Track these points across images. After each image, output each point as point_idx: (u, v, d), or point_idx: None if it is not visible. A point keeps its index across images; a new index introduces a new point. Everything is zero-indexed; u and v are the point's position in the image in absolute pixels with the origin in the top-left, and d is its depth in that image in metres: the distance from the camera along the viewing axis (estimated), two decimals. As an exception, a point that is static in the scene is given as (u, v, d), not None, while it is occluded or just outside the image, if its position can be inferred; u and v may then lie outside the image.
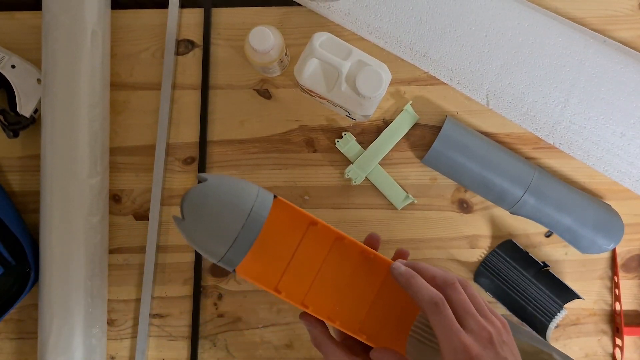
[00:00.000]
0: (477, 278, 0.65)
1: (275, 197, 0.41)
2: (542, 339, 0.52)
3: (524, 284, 0.64)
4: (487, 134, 0.66)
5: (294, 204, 0.42)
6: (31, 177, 0.66)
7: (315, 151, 0.66)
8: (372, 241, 0.45)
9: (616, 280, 0.65)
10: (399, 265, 0.41)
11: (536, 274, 0.64)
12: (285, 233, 0.41)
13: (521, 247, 0.64)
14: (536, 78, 0.65)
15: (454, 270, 0.66)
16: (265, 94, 0.67)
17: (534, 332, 0.50)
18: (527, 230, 0.66)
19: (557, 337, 0.65)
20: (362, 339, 0.42)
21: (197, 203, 0.38)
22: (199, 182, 0.39)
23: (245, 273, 0.40)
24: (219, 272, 0.65)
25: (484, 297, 0.65)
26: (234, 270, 0.39)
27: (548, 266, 0.64)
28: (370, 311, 0.42)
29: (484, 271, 0.65)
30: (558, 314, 0.63)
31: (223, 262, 0.39)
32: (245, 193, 0.39)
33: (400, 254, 0.46)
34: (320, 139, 0.66)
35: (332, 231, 0.41)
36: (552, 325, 0.62)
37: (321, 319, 0.42)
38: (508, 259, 0.64)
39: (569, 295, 0.63)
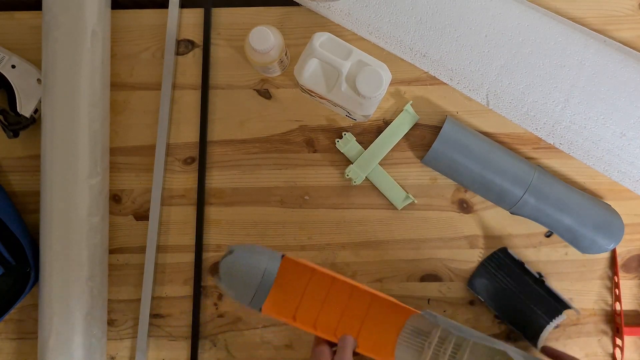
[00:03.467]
0: (473, 280, 0.65)
1: (283, 256, 0.54)
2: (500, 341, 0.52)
3: (521, 289, 0.63)
4: (487, 134, 0.66)
5: (297, 257, 0.55)
6: (31, 177, 0.66)
7: (315, 151, 0.66)
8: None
9: (616, 280, 0.65)
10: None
11: (534, 279, 0.64)
12: (296, 280, 0.55)
13: (516, 257, 0.64)
14: (536, 78, 0.65)
15: (453, 270, 0.66)
16: (265, 94, 0.67)
17: (493, 339, 0.51)
18: (527, 230, 0.66)
19: (557, 337, 0.65)
20: (359, 350, 0.55)
21: (227, 269, 0.53)
22: (228, 252, 0.53)
23: (269, 311, 0.53)
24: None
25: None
26: (260, 310, 0.53)
27: (543, 277, 0.63)
28: (362, 328, 0.55)
29: (482, 273, 0.64)
30: (554, 319, 0.62)
31: (251, 305, 0.53)
32: (260, 258, 0.53)
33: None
34: (320, 139, 0.66)
35: (328, 275, 0.55)
36: (548, 328, 0.62)
37: (328, 338, 0.54)
38: (506, 264, 0.64)
39: (563, 306, 0.62)
